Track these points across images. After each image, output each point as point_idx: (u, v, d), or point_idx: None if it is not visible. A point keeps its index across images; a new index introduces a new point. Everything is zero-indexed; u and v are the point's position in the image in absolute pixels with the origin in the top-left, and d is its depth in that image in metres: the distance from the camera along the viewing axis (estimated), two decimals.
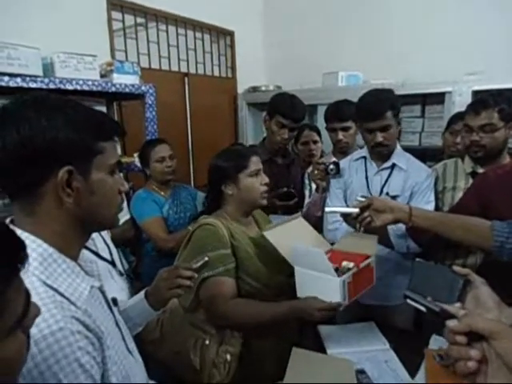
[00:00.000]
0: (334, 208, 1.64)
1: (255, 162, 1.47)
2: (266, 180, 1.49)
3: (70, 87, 1.91)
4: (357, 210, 1.40)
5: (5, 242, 0.49)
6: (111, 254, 1.43)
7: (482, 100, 1.61)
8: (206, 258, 1.19)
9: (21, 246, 0.50)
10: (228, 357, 1.33)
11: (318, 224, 1.89)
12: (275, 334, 1.39)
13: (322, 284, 1.21)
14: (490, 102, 1.56)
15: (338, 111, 2.08)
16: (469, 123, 1.62)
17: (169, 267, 1.13)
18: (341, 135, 2.09)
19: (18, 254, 0.49)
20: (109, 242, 1.48)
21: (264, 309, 1.33)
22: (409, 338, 1.51)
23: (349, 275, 1.23)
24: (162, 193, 2.23)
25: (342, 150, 2.14)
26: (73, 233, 0.76)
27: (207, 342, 1.36)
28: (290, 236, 1.38)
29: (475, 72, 2.39)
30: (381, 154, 1.69)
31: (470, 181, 1.68)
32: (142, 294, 1.12)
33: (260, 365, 1.38)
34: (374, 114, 1.59)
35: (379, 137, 1.61)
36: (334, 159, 1.87)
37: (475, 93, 2.32)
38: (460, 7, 2.80)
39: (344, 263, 1.28)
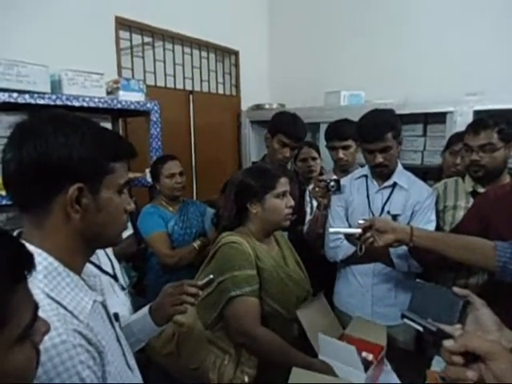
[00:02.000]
0: (338, 229, 1.65)
1: (283, 184, 1.48)
2: (292, 203, 1.50)
3: (76, 104, 1.95)
4: (359, 231, 1.42)
5: (10, 251, 0.49)
6: (113, 268, 1.44)
7: (481, 120, 1.63)
8: (211, 276, 1.19)
9: (27, 254, 0.51)
10: (246, 378, 1.33)
11: (319, 241, 1.90)
12: None
13: (345, 373, 1.23)
14: (489, 123, 1.57)
15: (338, 130, 2.11)
16: (468, 143, 1.63)
17: (174, 283, 1.13)
18: (341, 154, 2.11)
19: (25, 262, 0.50)
20: (111, 256, 1.48)
21: (286, 352, 1.28)
22: (410, 358, 1.50)
23: (371, 370, 1.24)
24: (171, 208, 2.27)
25: (342, 168, 2.16)
26: (78, 248, 0.77)
27: (226, 362, 1.36)
28: (315, 316, 1.42)
29: (476, 92, 2.41)
30: (381, 173, 1.70)
31: (471, 200, 1.69)
32: (145, 309, 1.12)
33: None
34: (373, 135, 1.59)
35: (379, 158, 1.62)
36: (334, 177, 1.88)
37: (476, 113, 2.35)
38: (461, 29, 2.86)
39: (364, 354, 1.31)
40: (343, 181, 1.84)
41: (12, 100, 1.73)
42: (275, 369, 1.32)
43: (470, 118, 2.29)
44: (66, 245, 0.75)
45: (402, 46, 3.14)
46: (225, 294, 1.35)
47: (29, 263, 0.51)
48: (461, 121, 2.37)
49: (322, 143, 2.39)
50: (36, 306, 0.52)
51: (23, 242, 0.55)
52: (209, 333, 1.42)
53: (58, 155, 0.70)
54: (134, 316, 1.14)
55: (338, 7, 3.49)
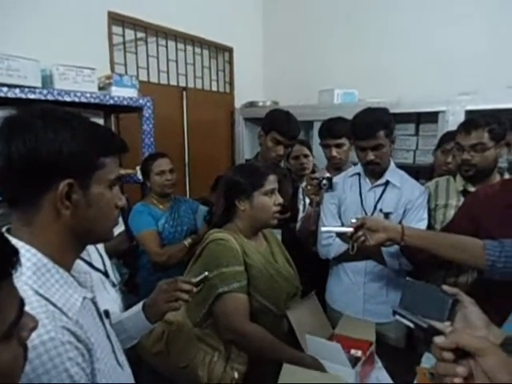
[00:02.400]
0: (329, 228, 1.67)
1: (271, 181, 1.48)
2: (280, 200, 1.50)
3: (68, 99, 1.93)
4: (351, 230, 1.43)
5: None
6: (104, 264, 1.43)
7: (472, 120, 1.64)
8: (206, 273, 1.19)
9: (11, 251, 0.50)
10: (236, 374, 1.33)
11: (311, 238, 1.90)
12: None
13: (334, 371, 1.25)
14: (480, 122, 1.59)
15: (332, 128, 2.11)
16: (460, 142, 1.64)
17: (168, 280, 1.12)
18: (334, 152, 2.12)
19: (9, 259, 0.49)
20: (102, 252, 1.47)
21: (276, 347, 1.29)
22: (401, 355, 1.52)
23: (359, 366, 1.26)
24: (161, 206, 2.26)
25: (335, 166, 2.16)
26: (68, 244, 0.76)
27: (215, 359, 1.36)
28: (305, 317, 1.43)
29: (468, 92, 2.43)
30: (373, 171, 1.71)
31: (462, 199, 1.70)
32: (139, 305, 1.11)
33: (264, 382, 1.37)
34: (366, 133, 1.60)
35: (371, 155, 1.63)
36: (327, 174, 1.89)
37: (468, 112, 2.36)
38: (454, 28, 2.88)
39: (352, 351, 1.34)
40: (336, 179, 1.85)
41: (2, 94, 1.71)
42: (265, 365, 1.33)
43: (461, 118, 2.30)
44: (56, 241, 0.74)
45: (396, 45, 3.16)
46: (213, 290, 1.35)
47: (14, 260, 0.49)
48: (453, 120, 2.38)
49: (316, 141, 2.39)
50: (22, 303, 0.51)
51: (11, 238, 0.54)
52: (198, 330, 1.42)
53: (47, 150, 0.69)
54: (126, 313, 1.13)
55: (332, 6, 3.50)
